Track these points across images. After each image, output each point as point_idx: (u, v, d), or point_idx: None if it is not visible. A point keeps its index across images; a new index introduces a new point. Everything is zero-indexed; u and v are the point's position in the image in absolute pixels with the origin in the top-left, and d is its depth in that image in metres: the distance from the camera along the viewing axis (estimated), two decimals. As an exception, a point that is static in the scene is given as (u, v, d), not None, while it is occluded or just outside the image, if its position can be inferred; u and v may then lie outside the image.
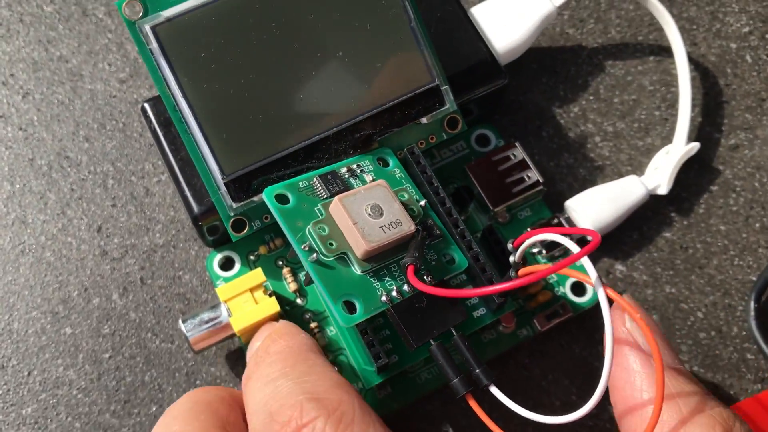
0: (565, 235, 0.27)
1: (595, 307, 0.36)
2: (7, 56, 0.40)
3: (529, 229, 0.37)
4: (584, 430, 0.35)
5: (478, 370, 0.29)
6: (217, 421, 0.29)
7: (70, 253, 0.37)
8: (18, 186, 0.38)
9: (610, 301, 0.26)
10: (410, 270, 0.29)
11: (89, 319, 0.36)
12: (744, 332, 0.36)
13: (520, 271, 0.29)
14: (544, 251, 0.36)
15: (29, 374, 0.35)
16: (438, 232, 0.31)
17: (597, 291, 0.25)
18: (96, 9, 0.42)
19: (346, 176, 0.32)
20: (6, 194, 0.38)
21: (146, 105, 0.35)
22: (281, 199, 0.30)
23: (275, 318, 0.33)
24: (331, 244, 0.29)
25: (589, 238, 0.34)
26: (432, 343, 0.30)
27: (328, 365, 0.29)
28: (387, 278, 0.30)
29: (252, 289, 0.33)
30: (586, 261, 0.26)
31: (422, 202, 0.32)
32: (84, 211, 0.38)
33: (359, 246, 0.29)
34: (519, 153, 0.37)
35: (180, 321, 0.33)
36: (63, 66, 0.40)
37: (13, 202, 0.38)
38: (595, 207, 0.36)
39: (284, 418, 0.27)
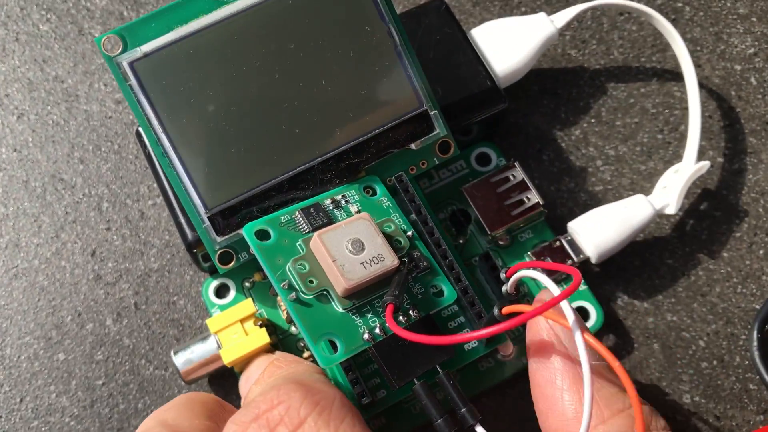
0: (550, 271, 0.27)
1: (598, 334, 0.36)
2: (2, 76, 0.40)
3: (530, 253, 0.36)
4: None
5: (463, 410, 0.28)
6: (209, 415, 0.29)
7: (63, 277, 0.37)
8: (12, 209, 0.38)
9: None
10: (389, 310, 0.28)
11: (83, 345, 0.36)
12: (747, 362, 0.36)
13: (504, 309, 0.28)
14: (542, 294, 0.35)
15: (21, 401, 0.35)
16: (425, 264, 0.31)
17: (574, 334, 0.25)
18: (92, 28, 0.41)
19: (330, 208, 0.31)
20: (0, 217, 0.38)
21: (140, 129, 0.35)
22: (262, 235, 0.30)
23: (265, 349, 0.33)
24: (311, 282, 0.29)
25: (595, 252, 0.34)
26: (416, 382, 0.29)
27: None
28: (370, 314, 0.29)
29: (242, 320, 0.33)
30: (564, 305, 0.25)
31: (409, 233, 0.31)
32: (78, 235, 0.38)
33: (339, 283, 0.28)
34: (518, 174, 0.36)
35: (172, 353, 0.33)
36: (58, 86, 0.40)
37: (6, 225, 0.38)
38: (600, 228, 0.35)
39: (264, 402, 0.27)
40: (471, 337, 0.25)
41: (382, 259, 0.29)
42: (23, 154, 0.39)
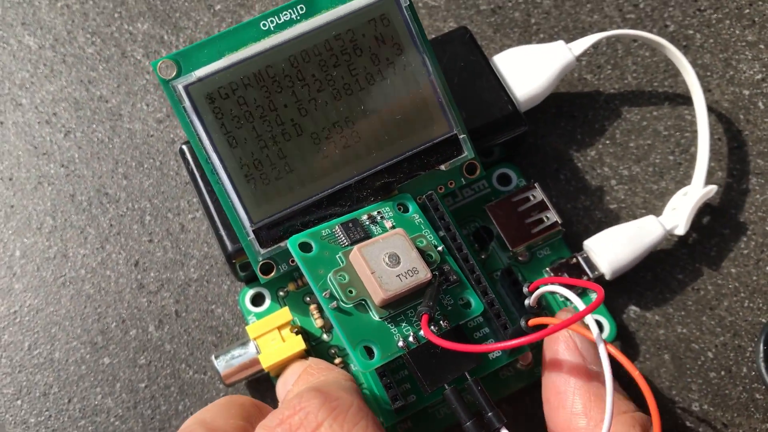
0: (573, 287, 0.29)
1: (611, 344, 0.37)
2: (51, 95, 0.43)
3: (548, 269, 0.38)
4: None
5: (490, 414, 0.31)
6: (245, 416, 0.31)
7: (108, 286, 0.39)
8: (59, 221, 0.40)
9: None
10: (424, 320, 0.30)
11: (126, 350, 0.38)
12: (753, 372, 0.38)
13: (530, 322, 0.30)
14: (565, 310, 0.37)
15: (69, 401, 0.37)
16: (454, 277, 0.33)
17: (598, 346, 0.27)
18: (135, 51, 0.44)
19: (367, 223, 0.34)
20: (48, 228, 0.40)
21: (184, 147, 0.37)
22: (305, 247, 0.32)
23: (301, 355, 0.35)
24: (350, 292, 0.31)
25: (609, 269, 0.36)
26: (446, 387, 0.31)
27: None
28: (404, 324, 0.31)
29: (279, 327, 0.35)
30: (588, 319, 0.27)
31: (439, 248, 0.33)
32: (122, 246, 0.40)
33: (377, 294, 0.31)
34: (538, 194, 0.38)
35: (213, 357, 0.35)
36: (103, 105, 0.43)
37: (54, 236, 0.40)
38: (614, 246, 0.38)
39: (288, 408, 0.29)
40: (503, 347, 0.27)
41: (416, 272, 0.31)
42: (70, 170, 0.41)
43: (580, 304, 0.28)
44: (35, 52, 0.44)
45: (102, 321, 0.39)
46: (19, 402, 0.37)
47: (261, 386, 0.37)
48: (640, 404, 0.36)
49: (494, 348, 0.27)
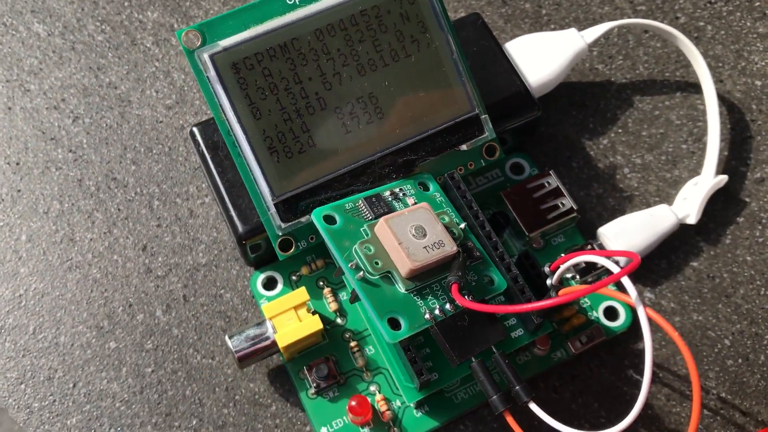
0: (604, 257, 0.29)
1: (626, 333, 0.37)
2: (60, 82, 0.42)
3: (563, 255, 0.38)
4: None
5: (518, 387, 0.30)
6: None
7: (115, 270, 0.39)
8: (67, 205, 0.40)
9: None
10: (455, 288, 0.30)
11: (133, 335, 0.37)
12: (770, 360, 0.38)
13: (561, 292, 0.30)
14: (577, 276, 0.37)
15: (74, 386, 0.36)
16: (478, 254, 0.33)
17: (637, 309, 0.26)
18: (144, 38, 0.43)
19: (390, 199, 0.33)
20: (55, 213, 0.39)
21: (195, 129, 0.37)
22: (329, 219, 0.32)
23: (318, 335, 0.34)
24: (376, 263, 0.31)
25: (621, 260, 0.35)
26: (473, 360, 0.31)
27: None
28: (430, 297, 0.31)
29: (296, 307, 0.35)
30: (627, 281, 0.27)
31: (462, 225, 0.33)
32: (130, 231, 0.39)
33: (404, 265, 0.30)
34: (553, 181, 0.38)
35: (226, 337, 0.35)
36: (112, 92, 0.42)
37: (62, 220, 0.39)
38: (628, 234, 0.38)
39: None
40: (539, 306, 0.27)
41: (442, 244, 0.31)
42: (78, 155, 0.41)
43: (614, 267, 0.28)
44: (44, 39, 0.43)
45: (108, 305, 0.38)
46: (23, 386, 0.36)
47: (273, 376, 0.37)
48: (670, 369, 0.36)
49: (529, 308, 0.27)
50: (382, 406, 0.34)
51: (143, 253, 0.39)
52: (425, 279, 0.31)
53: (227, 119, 0.32)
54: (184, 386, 0.37)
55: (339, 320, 0.36)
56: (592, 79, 0.43)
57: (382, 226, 0.31)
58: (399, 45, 0.34)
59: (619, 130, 0.42)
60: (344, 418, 0.34)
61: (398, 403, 0.35)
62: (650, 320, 0.27)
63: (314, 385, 0.35)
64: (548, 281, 0.33)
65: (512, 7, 0.45)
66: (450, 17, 0.43)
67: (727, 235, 0.40)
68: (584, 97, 0.43)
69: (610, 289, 0.28)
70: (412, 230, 0.31)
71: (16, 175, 0.40)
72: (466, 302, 0.29)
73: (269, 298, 0.37)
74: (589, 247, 0.38)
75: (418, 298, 0.31)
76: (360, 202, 0.33)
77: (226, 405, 0.36)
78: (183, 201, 0.40)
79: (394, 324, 0.30)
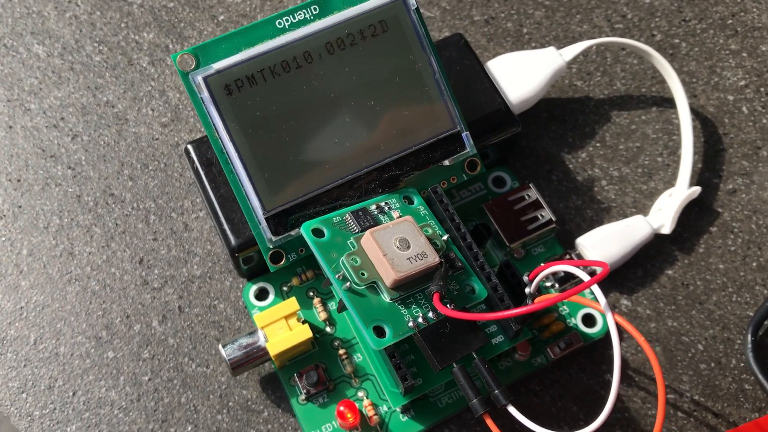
0: (577, 267, 0.30)
1: (604, 339, 0.39)
2: (59, 101, 0.44)
3: (542, 264, 0.39)
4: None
5: (497, 391, 0.32)
6: None
7: (113, 282, 0.40)
8: (66, 220, 0.41)
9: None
10: (436, 297, 0.31)
11: (130, 344, 0.39)
12: (742, 364, 0.39)
13: (537, 299, 0.32)
14: (556, 285, 0.39)
15: (74, 394, 0.38)
16: (460, 264, 0.34)
17: (606, 316, 0.28)
18: (140, 59, 0.45)
19: (376, 213, 0.35)
20: (55, 228, 0.41)
21: (189, 146, 0.38)
22: (317, 233, 0.33)
23: (308, 343, 0.36)
24: (362, 274, 0.32)
25: (598, 269, 0.37)
26: (455, 365, 0.32)
27: None
28: (413, 306, 0.33)
29: (286, 317, 0.36)
30: (596, 289, 0.29)
31: (445, 237, 0.35)
32: (127, 244, 0.41)
33: (389, 275, 0.32)
34: (533, 193, 0.40)
35: (219, 346, 0.36)
36: (109, 111, 0.44)
37: (61, 234, 0.41)
38: (604, 244, 0.39)
39: None
40: (514, 313, 0.28)
41: (425, 255, 0.33)
42: (77, 171, 0.42)
43: (584, 276, 0.29)
44: (44, 60, 0.45)
45: (107, 316, 0.39)
46: (24, 395, 0.38)
47: (265, 383, 0.38)
48: (646, 374, 0.38)
49: (506, 315, 0.29)
50: (369, 411, 0.36)
51: (140, 266, 0.40)
52: (409, 289, 0.33)
53: (220, 138, 0.33)
54: (179, 393, 0.38)
55: (328, 329, 0.38)
56: (571, 95, 0.45)
57: (367, 239, 0.33)
58: (384, 66, 0.35)
59: (597, 144, 0.43)
60: (333, 422, 0.36)
61: (385, 408, 0.36)
62: (620, 326, 0.28)
63: (304, 391, 0.36)
64: (527, 289, 0.35)
65: (494, 27, 0.46)
66: (435, 37, 0.45)
67: (701, 244, 0.41)
68: (564, 113, 0.44)
69: (584, 297, 0.29)
70: (396, 242, 0.33)
71: (17, 192, 0.42)
72: (446, 310, 0.31)
73: (261, 308, 0.38)
74: (567, 256, 0.40)
75: (402, 306, 0.32)
76: (347, 215, 0.34)
77: (220, 411, 0.37)
78: (178, 215, 0.41)
79: (380, 332, 0.32)
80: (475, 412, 0.32)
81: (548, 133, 0.44)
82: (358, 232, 0.34)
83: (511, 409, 0.31)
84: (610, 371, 0.38)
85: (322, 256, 0.32)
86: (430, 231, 0.35)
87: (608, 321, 0.28)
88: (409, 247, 0.33)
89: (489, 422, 0.31)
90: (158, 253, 0.41)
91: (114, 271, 0.40)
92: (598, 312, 0.39)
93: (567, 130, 0.44)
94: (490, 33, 0.46)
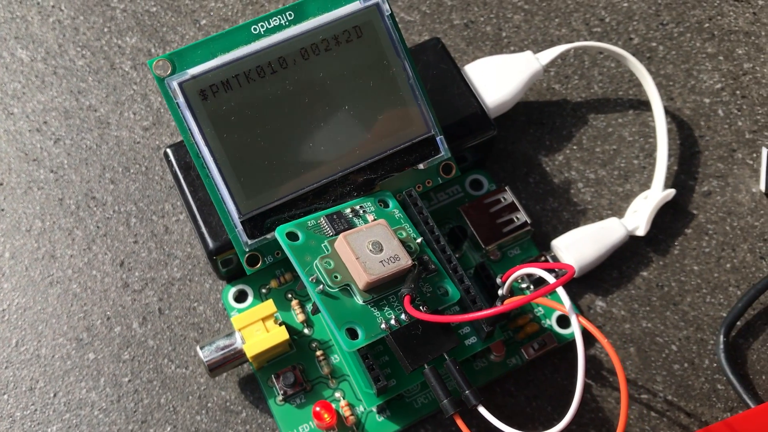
0: (545, 269, 0.31)
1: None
2: (42, 105, 0.44)
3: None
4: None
5: (467, 392, 0.32)
6: None
7: (94, 285, 0.40)
8: (48, 223, 0.42)
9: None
10: (407, 300, 0.32)
11: (111, 346, 0.39)
12: (715, 364, 0.39)
13: (506, 301, 0.32)
14: (531, 286, 0.39)
15: (55, 396, 0.38)
16: (433, 266, 0.35)
17: (570, 317, 0.29)
18: (123, 63, 0.45)
19: (350, 216, 0.35)
20: (37, 231, 0.41)
21: (168, 150, 0.39)
22: (292, 236, 0.34)
23: (285, 345, 0.36)
24: (336, 277, 0.33)
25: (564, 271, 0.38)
26: (426, 367, 0.33)
27: None
28: (386, 308, 0.33)
29: (264, 319, 0.37)
30: (561, 291, 0.29)
31: (419, 240, 0.35)
32: (108, 247, 0.41)
33: (361, 278, 0.32)
34: (509, 196, 0.40)
35: (197, 347, 0.36)
36: (92, 114, 0.44)
37: (43, 237, 0.41)
38: (579, 246, 0.40)
39: None
40: (482, 315, 0.29)
41: (398, 258, 0.33)
42: (59, 175, 0.43)
43: (550, 278, 0.30)
44: (27, 64, 0.45)
45: (88, 318, 0.40)
46: (5, 396, 0.38)
47: (244, 384, 0.39)
48: (610, 377, 0.38)
49: (477, 316, 0.29)
50: (346, 412, 0.36)
51: (121, 269, 0.41)
52: (382, 291, 0.33)
53: (195, 142, 0.34)
54: (159, 395, 0.38)
55: (306, 331, 0.38)
56: (549, 98, 0.45)
57: (341, 242, 0.33)
58: (358, 71, 0.36)
59: (574, 147, 0.44)
60: (310, 423, 0.36)
61: (361, 408, 0.37)
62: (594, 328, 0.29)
63: (282, 392, 0.37)
64: (500, 291, 0.35)
65: (474, 30, 0.47)
66: (415, 40, 0.45)
67: (676, 246, 0.42)
68: (541, 116, 0.45)
69: (551, 300, 0.30)
70: (369, 245, 0.33)
71: (-1, 195, 0.42)
72: (416, 313, 0.31)
73: (240, 310, 0.39)
74: (543, 258, 0.40)
75: (375, 309, 0.33)
76: (321, 219, 0.35)
77: (198, 412, 0.38)
78: (159, 218, 0.42)
79: (353, 333, 0.32)
80: (445, 413, 0.32)
81: (526, 136, 0.44)
82: (332, 236, 0.34)
83: (482, 410, 0.32)
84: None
85: (296, 259, 0.33)
86: (404, 234, 0.35)
87: (572, 322, 0.29)
88: (381, 250, 0.33)
89: (459, 422, 0.32)
90: (139, 256, 0.41)
91: (95, 274, 0.41)
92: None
93: (544, 133, 0.44)
94: (469, 37, 0.47)
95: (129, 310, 0.40)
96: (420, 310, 0.32)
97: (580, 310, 0.40)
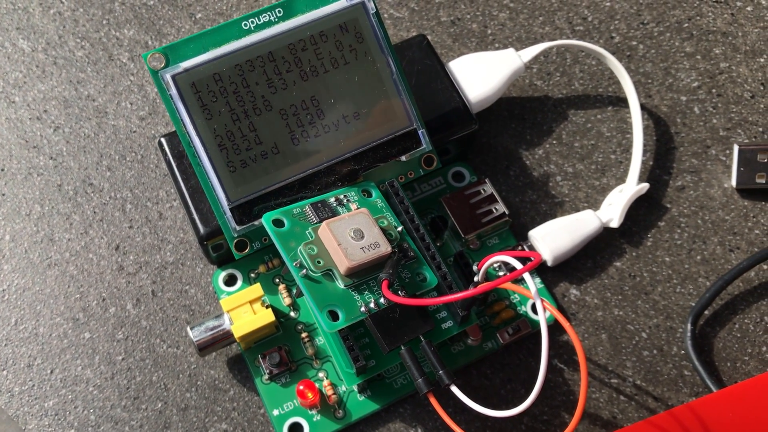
0: (516, 257, 0.32)
1: (552, 326, 0.41)
2: (42, 94, 0.46)
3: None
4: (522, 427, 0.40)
5: (441, 372, 0.34)
6: None
7: (91, 267, 0.42)
8: (47, 208, 0.43)
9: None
10: (384, 284, 0.34)
11: (106, 326, 0.41)
12: (682, 351, 0.41)
13: (480, 286, 0.34)
14: (508, 274, 0.41)
15: (52, 372, 0.40)
16: (412, 253, 0.37)
17: (536, 301, 0.30)
18: (121, 54, 0.47)
19: (334, 205, 0.37)
20: (36, 215, 0.43)
21: (162, 140, 0.40)
22: (277, 223, 0.36)
23: (271, 327, 0.38)
24: (318, 262, 0.34)
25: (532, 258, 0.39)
26: (402, 347, 0.35)
27: None
28: (366, 292, 0.35)
29: (251, 302, 0.38)
30: (527, 277, 0.31)
31: (399, 228, 0.37)
32: (104, 232, 0.43)
33: (342, 263, 0.34)
34: (488, 188, 0.42)
35: (188, 328, 0.38)
36: (90, 104, 0.46)
37: (42, 222, 0.43)
38: (554, 236, 0.42)
39: None
40: (458, 297, 0.31)
41: (378, 246, 0.35)
42: (58, 162, 0.44)
43: (518, 265, 0.32)
44: (28, 54, 0.47)
45: (84, 299, 0.41)
46: (4, 372, 0.40)
47: (232, 363, 0.40)
48: (592, 359, 0.40)
49: (451, 299, 0.31)
50: (328, 391, 0.38)
51: (116, 252, 0.42)
52: (362, 276, 0.35)
53: (187, 132, 0.36)
54: (151, 373, 0.40)
55: (292, 313, 0.40)
56: (531, 94, 0.47)
57: (324, 229, 0.35)
58: (344, 66, 0.38)
59: (554, 142, 0.46)
60: (294, 401, 0.38)
61: (344, 387, 0.38)
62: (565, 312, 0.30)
63: (268, 371, 0.38)
64: (476, 278, 0.37)
65: (460, 27, 0.48)
66: (402, 36, 0.47)
67: (649, 238, 0.44)
68: (523, 111, 0.46)
69: (520, 286, 0.32)
70: (350, 233, 0.35)
71: (0, 180, 0.44)
72: (392, 296, 0.33)
73: (229, 293, 0.41)
74: (519, 248, 0.42)
75: (355, 293, 0.35)
76: (306, 207, 0.36)
77: (188, 390, 0.40)
78: (153, 204, 0.44)
79: (334, 316, 0.34)
80: (419, 391, 0.34)
81: (507, 130, 0.46)
82: (316, 223, 0.36)
83: (454, 389, 0.34)
84: (558, 356, 0.41)
85: (281, 244, 0.35)
86: (385, 222, 0.37)
87: (537, 307, 0.30)
88: (363, 237, 0.35)
89: (433, 401, 0.34)
90: (134, 240, 0.43)
91: (91, 257, 0.42)
92: (549, 300, 0.41)
93: (525, 128, 0.46)
94: (455, 33, 0.48)
95: (123, 292, 0.42)
96: (398, 295, 0.34)
97: (554, 298, 0.42)
